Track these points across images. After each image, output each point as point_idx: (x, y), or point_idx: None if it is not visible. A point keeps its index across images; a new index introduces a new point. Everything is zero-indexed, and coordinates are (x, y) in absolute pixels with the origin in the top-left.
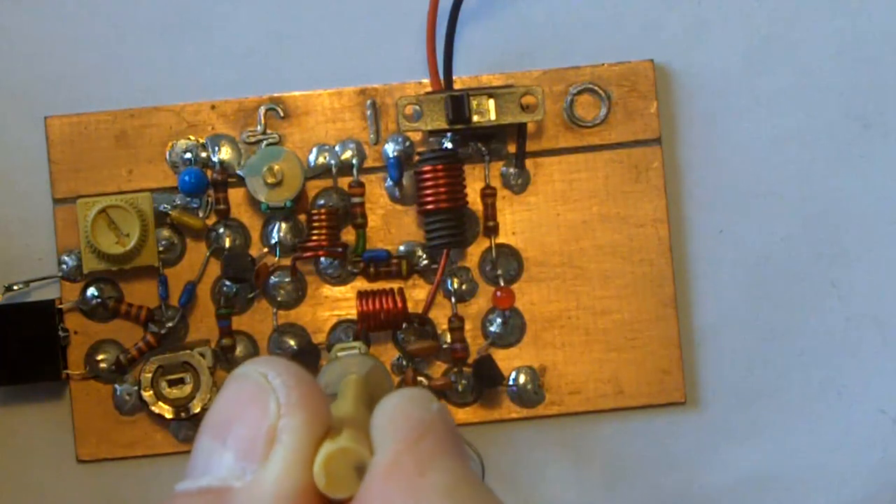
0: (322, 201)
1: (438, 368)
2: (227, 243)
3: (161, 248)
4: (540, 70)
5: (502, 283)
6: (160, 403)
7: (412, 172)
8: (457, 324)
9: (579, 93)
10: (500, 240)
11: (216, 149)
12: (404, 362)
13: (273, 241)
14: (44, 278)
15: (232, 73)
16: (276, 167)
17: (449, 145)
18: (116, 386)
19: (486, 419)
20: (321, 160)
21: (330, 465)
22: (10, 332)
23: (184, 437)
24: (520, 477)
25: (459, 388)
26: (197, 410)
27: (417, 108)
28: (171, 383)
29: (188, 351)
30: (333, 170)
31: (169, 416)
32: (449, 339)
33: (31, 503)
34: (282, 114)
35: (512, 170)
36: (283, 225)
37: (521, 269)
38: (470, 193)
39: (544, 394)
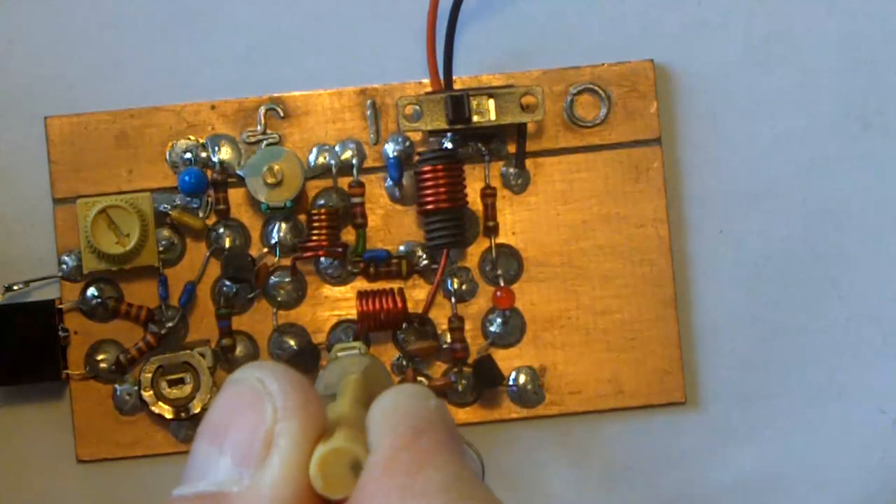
0: (322, 201)
1: (438, 368)
2: (227, 243)
3: (161, 248)
4: (540, 70)
5: (502, 283)
6: (160, 403)
7: (412, 172)
8: (457, 324)
9: (579, 93)
10: (500, 240)
11: (216, 149)
12: (404, 362)
13: (273, 241)
14: (44, 278)
15: (232, 73)
16: (276, 167)
17: (449, 145)
18: (116, 386)
19: (486, 419)
20: (321, 160)
21: (325, 466)
22: (10, 332)
23: (184, 438)
24: (520, 477)
25: (459, 388)
26: (197, 410)
27: (417, 108)
28: (171, 383)
29: (188, 351)
30: (333, 170)
31: (169, 416)
32: (449, 339)
33: (30, 503)
34: (282, 114)
35: (512, 170)
36: (283, 225)
37: (521, 269)
38: (470, 193)
39: (544, 394)
